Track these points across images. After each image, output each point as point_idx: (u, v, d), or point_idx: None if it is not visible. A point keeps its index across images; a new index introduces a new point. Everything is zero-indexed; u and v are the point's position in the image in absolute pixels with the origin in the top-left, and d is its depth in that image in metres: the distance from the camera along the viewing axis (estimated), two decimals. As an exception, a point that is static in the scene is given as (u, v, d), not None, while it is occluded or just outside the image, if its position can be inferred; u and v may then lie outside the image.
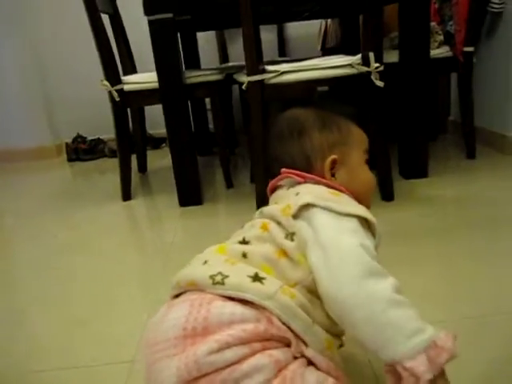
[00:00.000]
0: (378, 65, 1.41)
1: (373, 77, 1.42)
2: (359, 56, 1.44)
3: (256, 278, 0.54)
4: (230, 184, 1.89)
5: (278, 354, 0.50)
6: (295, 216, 0.59)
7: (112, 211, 1.79)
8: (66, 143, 2.87)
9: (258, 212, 0.67)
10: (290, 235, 0.58)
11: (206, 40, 2.79)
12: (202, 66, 2.50)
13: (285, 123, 0.69)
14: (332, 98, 1.60)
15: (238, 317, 0.50)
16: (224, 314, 0.50)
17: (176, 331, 0.50)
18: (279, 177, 0.69)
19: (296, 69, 1.42)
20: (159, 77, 1.59)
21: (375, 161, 1.60)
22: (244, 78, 1.46)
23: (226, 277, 0.53)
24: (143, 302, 1.08)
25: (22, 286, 1.24)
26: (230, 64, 2.65)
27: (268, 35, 2.87)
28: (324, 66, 1.43)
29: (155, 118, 2.58)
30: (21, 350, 0.94)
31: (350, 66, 1.43)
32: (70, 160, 2.84)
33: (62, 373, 0.83)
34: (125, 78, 1.79)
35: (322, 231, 0.56)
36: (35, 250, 1.47)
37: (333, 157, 0.66)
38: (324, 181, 0.65)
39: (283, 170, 0.67)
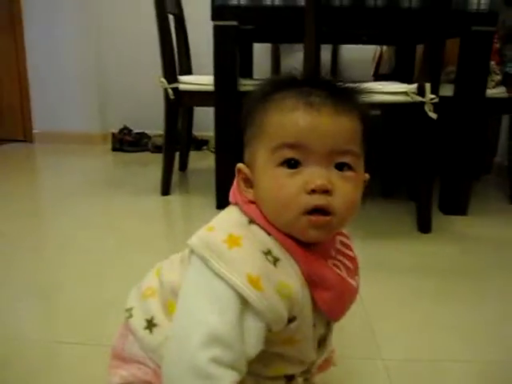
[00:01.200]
0: (433, 96, 1.41)
1: (426, 108, 1.43)
2: (415, 85, 1.45)
3: (149, 324, 0.54)
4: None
5: None
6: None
7: (149, 202, 1.84)
8: (113, 133, 2.96)
9: None
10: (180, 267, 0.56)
11: (260, 51, 2.84)
12: (254, 77, 2.55)
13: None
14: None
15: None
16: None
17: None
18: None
19: (351, 89, 1.43)
20: (216, 80, 1.63)
21: (416, 191, 1.60)
22: (298, 92, 1.48)
23: (131, 316, 0.57)
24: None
25: (56, 263, 1.29)
26: (281, 77, 2.69)
27: (322, 54, 2.90)
28: (379, 90, 1.44)
29: (201, 120, 2.64)
30: (55, 321, 0.98)
31: (405, 93, 1.44)
32: (113, 149, 2.92)
33: (88, 348, 0.87)
34: (181, 78, 1.85)
35: (183, 292, 0.49)
36: (72, 229, 1.53)
37: (238, 166, 0.53)
38: (239, 200, 0.52)
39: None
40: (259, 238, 0.48)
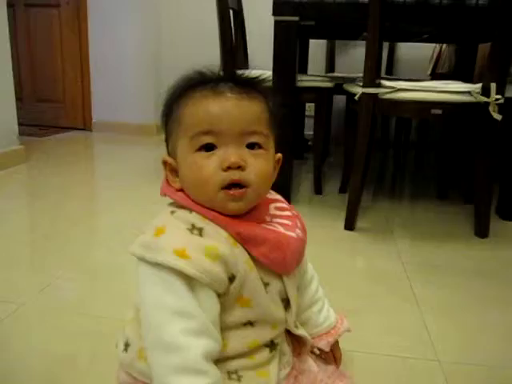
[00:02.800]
0: (498, 97, 1.37)
1: (491, 108, 1.38)
2: (479, 85, 1.41)
3: (126, 345, 0.60)
4: (318, 190, 1.91)
5: None
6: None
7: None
8: (167, 124, 3.04)
9: None
10: None
11: (316, 48, 2.83)
12: (309, 73, 2.55)
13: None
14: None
15: None
16: None
17: None
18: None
19: (412, 88, 1.41)
20: (274, 75, 1.65)
21: (474, 194, 1.56)
22: (358, 89, 1.48)
23: (117, 347, 0.62)
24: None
25: (115, 245, 1.35)
26: (336, 74, 2.67)
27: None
28: (441, 89, 1.41)
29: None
30: (118, 301, 1.03)
31: (469, 93, 1.40)
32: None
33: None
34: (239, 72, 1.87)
35: (140, 291, 0.54)
36: (125, 216, 1.59)
37: (163, 158, 0.58)
38: (168, 191, 0.58)
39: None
40: (182, 219, 0.53)
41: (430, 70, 2.79)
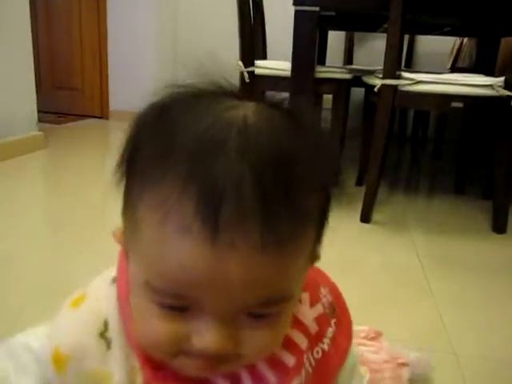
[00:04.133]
0: (522, 91, 1.35)
1: (513, 102, 1.37)
2: (502, 78, 1.39)
3: None
4: (334, 182, 1.90)
5: None
6: None
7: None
8: (183, 114, 3.05)
9: None
10: None
11: (334, 39, 2.81)
12: (327, 64, 2.53)
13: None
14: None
15: None
16: None
17: None
18: None
19: (433, 80, 1.39)
20: (293, 66, 1.64)
21: (493, 189, 1.54)
22: (377, 81, 1.46)
23: None
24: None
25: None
26: (354, 66, 2.65)
27: (397, 44, 2.83)
28: (463, 82, 1.39)
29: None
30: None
31: (491, 87, 1.38)
32: (183, 129, 3.02)
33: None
34: (258, 62, 1.87)
35: None
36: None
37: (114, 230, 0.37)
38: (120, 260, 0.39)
39: None
40: (106, 302, 0.36)
41: (450, 64, 2.75)
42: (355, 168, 1.97)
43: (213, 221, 0.26)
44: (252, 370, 0.35)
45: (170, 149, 0.28)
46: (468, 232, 1.50)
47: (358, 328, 0.62)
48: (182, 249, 0.27)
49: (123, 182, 0.33)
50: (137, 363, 0.34)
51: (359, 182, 1.87)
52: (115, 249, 0.39)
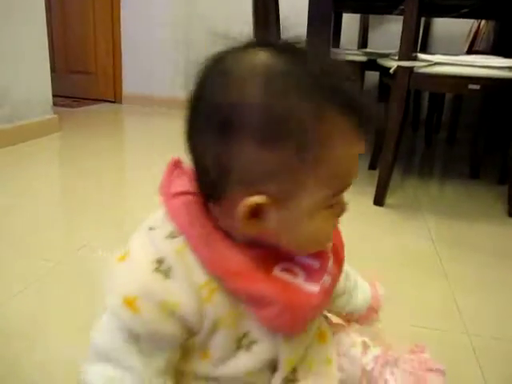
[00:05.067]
0: (541, 73, 1.33)
1: (531, 85, 1.34)
2: (521, 60, 1.36)
3: None
4: (347, 166, 1.90)
5: None
6: None
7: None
8: (196, 98, 3.05)
9: None
10: None
11: (349, 22, 2.77)
12: (341, 47, 2.50)
13: (216, 81, 0.38)
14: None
15: None
16: None
17: None
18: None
19: (450, 62, 1.38)
20: (309, 49, 1.62)
21: (509, 174, 1.53)
22: (393, 63, 1.45)
23: None
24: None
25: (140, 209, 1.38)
26: (369, 50, 2.62)
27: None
28: (479, 64, 1.37)
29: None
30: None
31: (509, 69, 1.36)
32: (196, 114, 3.01)
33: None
34: (271, 45, 1.86)
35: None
36: (153, 183, 1.61)
37: (258, 199, 0.37)
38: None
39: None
40: (154, 243, 0.40)
41: (467, 47, 2.70)
42: (368, 152, 1.95)
43: (359, 134, 0.38)
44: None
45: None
46: (482, 216, 1.49)
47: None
48: (355, 147, 0.39)
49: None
50: (207, 279, 0.39)
51: (372, 166, 1.87)
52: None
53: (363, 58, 1.81)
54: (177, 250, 0.39)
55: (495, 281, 1.08)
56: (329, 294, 0.45)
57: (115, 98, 3.31)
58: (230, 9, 3.01)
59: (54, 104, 2.36)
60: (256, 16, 1.79)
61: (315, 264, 0.43)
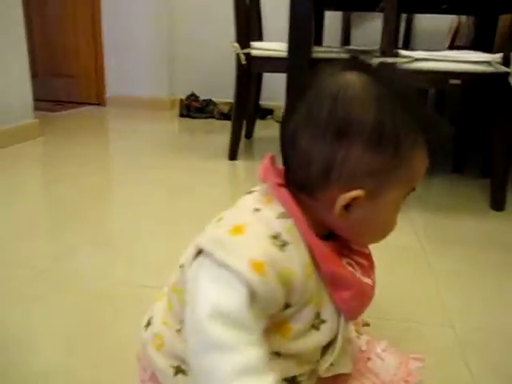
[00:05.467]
0: (519, 67, 1.34)
1: (510, 79, 1.36)
2: (500, 55, 1.38)
3: (147, 322, 0.56)
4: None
5: None
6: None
7: (217, 166, 1.89)
8: (181, 99, 3.03)
9: None
10: (181, 267, 0.51)
11: (331, 19, 2.78)
12: (324, 45, 2.51)
13: (330, 99, 0.45)
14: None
15: None
16: None
17: None
18: (264, 164, 0.53)
19: (430, 57, 1.39)
20: (290, 46, 1.63)
21: (491, 166, 1.54)
22: (374, 60, 1.45)
23: (149, 324, 0.56)
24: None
25: (130, 216, 1.37)
26: (351, 47, 2.63)
27: (395, 24, 2.81)
28: (460, 59, 1.39)
29: (266, 89, 2.65)
30: (136, 268, 1.05)
31: (489, 63, 1.37)
32: (181, 115, 3.00)
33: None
34: (254, 44, 1.85)
35: (193, 284, 0.45)
36: (142, 188, 1.61)
37: (357, 193, 0.45)
38: (298, 216, 0.47)
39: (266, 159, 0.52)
40: (266, 222, 0.46)
41: (448, 42, 2.73)
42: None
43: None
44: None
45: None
46: (467, 210, 1.50)
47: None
48: (424, 167, 0.49)
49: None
50: (309, 260, 0.46)
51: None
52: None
53: (345, 56, 1.82)
54: (288, 229, 0.46)
55: (479, 273, 1.09)
56: (374, 291, 0.53)
57: (98, 100, 3.28)
58: (212, 8, 3.00)
59: (36, 108, 2.32)
60: (237, 13, 1.78)
61: (365, 262, 0.52)
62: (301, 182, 0.47)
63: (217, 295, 0.42)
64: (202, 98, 3.03)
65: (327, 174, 0.45)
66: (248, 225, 0.45)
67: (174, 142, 2.40)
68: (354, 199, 0.45)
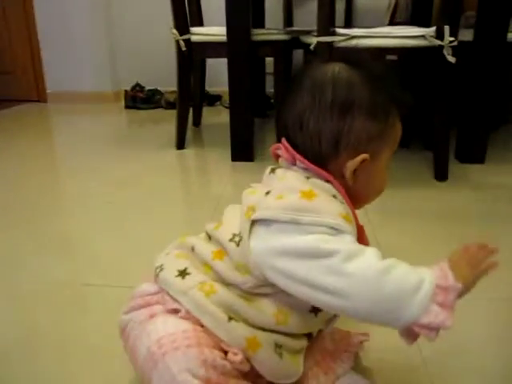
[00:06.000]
0: (452, 39, 1.37)
1: (445, 51, 1.39)
2: (433, 28, 1.41)
3: (182, 272, 0.56)
4: (281, 146, 1.91)
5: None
6: (252, 224, 0.53)
7: (165, 157, 1.85)
8: (125, 91, 2.94)
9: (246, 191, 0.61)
10: (238, 240, 0.54)
11: (272, 1, 2.76)
12: (266, 27, 2.49)
13: (330, 84, 0.55)
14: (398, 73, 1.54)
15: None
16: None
17: None
18: (276, 146, 0.60)
19: (367, 34, 1.40)
20: (228, 30, 1.60)
21: (433, 139, 1.58)
22: (313, 39, 1.45)
23: (162, 270, 0.58)
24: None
25: (77, 214, 1.32)
26: (295, 28, 2.62)
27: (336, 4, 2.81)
28: (396, 34, 1.40)
29: (213, 75, 2.61)
30: (80, 266, 1.01)
31: (423, 37, 1.40)
32: (127, 107, 2.92)
33: (111, 290, 0.91)
34: (193, 29, 1.81)
35: (281, 263, 0.50)
36: (90, 184, 1.55)
37: (364, 156, 0.55)
38: (329, 178, 0.55)
39: (283, 141, 0.59)
40: (321, 186, 0.54)
41: (388, 19, 2.77)
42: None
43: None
44: None
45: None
46: (411, 182, 1.54)
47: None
48: (400, 128, 0.59)
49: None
50: (349, 215, 0.54)
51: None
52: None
53: (286, 37, 1.81)
54: (335, 191, 0.55)
55: (426, 244, 1.12)
56: None
57: (39, 97, 3.14)
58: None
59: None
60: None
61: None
62: (313, 157, 0.56)
63: (337, 245, 0.49)
64: (147, 87, 2.95)
65: (336, 145, 0.55)
66: (313, 189, 0.52)
67: (120, 134, 2.33)
68: (361, 162, 0.55)
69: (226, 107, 2.69)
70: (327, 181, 0.55)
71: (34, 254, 1.06)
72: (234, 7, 1.59)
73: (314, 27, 2.05)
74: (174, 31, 1.77)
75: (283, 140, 0.58)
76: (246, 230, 0.53)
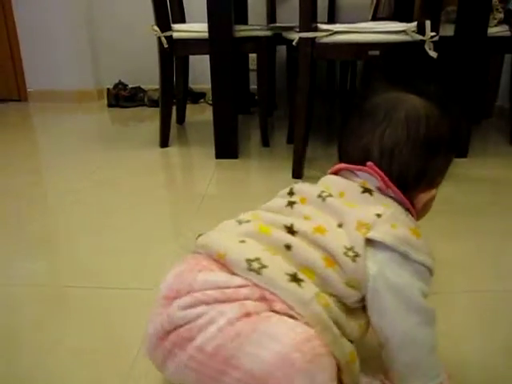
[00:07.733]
0: (433, 34, 1.38)
1: (426, 46, 1.39)
2: (415, 23, 1.41)
3: (294, 278, 0.51)
4: (266, 143, 1.90)
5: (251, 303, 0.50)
6: (367, 242, 0.54)
7: (149, 155, 1.83)
8: (108, 89, 2.91)
9: (298, 187, 0.63)
10: (353, 256, 0.53)
11: (255, -2, 2.75)
12: (249, 23, 2.48)
13: (423, 123, 0.58)
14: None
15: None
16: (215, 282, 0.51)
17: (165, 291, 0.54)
18: (359, 167, 0.60)
19: (349, 30, 1.40)
20: (210, 26, 1.59)
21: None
22: (295, 35, 1.45)
23: (264, 267, 0.51)
24: (169, 244, 1.12)
25: (60, 215, 1.30)
26: (278, 24, 2.62)
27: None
28: (377, 30, 1.41)
29: (197, 72, 2.60)
30: (61, 267, 1.00)
31: (405, 32, 1.40)
32: (109, 105, 2.88)
33: (93, 291, 0.89)
34: (175, 26, 1.79)
35: (395, 279, 0.54)
36: (73, 184, 1.53)
37: (434, 192, 0.62)
38: (410, 208, 0.60)
39: (372, 166, 0.58)
40: (409, 222, 0.58)
41: (371, 14, 2.78)
42: (287, 127, 1.97)
43: None
44: None
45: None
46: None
47: None
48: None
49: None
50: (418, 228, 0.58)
51: (290, 140, 1.88)
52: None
53: (268, 33, 1.81)
54: (414, 222, 0.59)
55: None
56: None
57: (19, 96, 3.09)
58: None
59: None
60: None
61: None
62: (397, 185, 0.59)
63: (418, 283, 0.54)
64: (130, 85, 2.92)
65: (419, 179, 0.59)
66: (417, 228, 0.58)
67: (103, 133, 2.30)
68: (431, 199, 0.61)
69: (210, 104, 2.67)
70: (407, 209, 0.59)
71: (14, 255, 1.04)
72: (216, 3, 1.57)
73: (297, 23, 2.06)
74: (156, 28, 1.75)
75: (372, 165, 0.58)
76: (361, 247, 0.53)
